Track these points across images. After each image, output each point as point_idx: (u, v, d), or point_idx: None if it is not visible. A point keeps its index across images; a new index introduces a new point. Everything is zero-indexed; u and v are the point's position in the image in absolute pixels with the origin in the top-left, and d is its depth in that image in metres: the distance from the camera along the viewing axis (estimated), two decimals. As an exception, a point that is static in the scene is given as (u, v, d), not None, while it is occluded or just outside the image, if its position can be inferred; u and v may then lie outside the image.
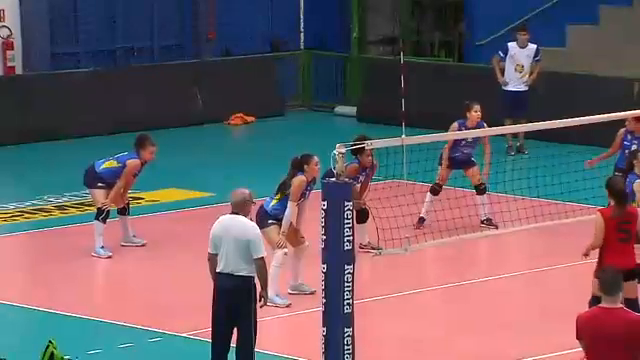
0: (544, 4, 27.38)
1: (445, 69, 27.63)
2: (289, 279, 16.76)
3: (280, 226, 16.63)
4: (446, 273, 18.02)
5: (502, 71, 24.89)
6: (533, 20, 27.31)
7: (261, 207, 16.76)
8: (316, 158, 16.76)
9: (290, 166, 16.92)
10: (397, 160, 17.72)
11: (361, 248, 17.96)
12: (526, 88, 24.81)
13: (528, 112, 23.80)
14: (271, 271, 15.87)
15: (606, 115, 16.93)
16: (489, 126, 19.87)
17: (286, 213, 16.66)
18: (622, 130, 18.58)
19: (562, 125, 16.46)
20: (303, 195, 16.81)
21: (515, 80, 24.84)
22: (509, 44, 25.02)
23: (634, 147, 18.74)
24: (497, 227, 19.44)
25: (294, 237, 16.83)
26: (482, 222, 19.81)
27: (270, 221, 16.70)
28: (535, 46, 24.90)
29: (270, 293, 15.41)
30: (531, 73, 24.82)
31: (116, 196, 18.53)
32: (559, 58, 26.57)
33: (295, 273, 16.87)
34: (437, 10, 29.83)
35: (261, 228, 15.99)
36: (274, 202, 16.81)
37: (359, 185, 18.54)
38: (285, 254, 16.57)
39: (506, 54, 24.92)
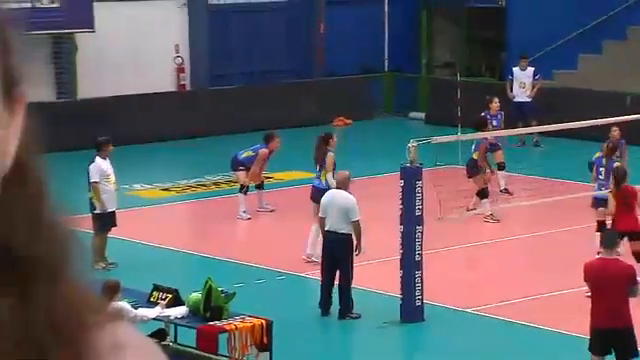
0: (561, 39, 27.15)
1: (490, 86, 27.42)
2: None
3: None
4: (489, 233, 17.91)
5: (512, 88, 24.73)
6: (553, 51, 27.09)
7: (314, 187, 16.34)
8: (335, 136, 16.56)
9: (319, 142, 16.48)
10: (454, 151, 17.68)
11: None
12: (529, 99, 24.44)
13: (535, 116, 23.56)
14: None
15: (600, 120, 16.89)
16: (505, 121, 20.00)
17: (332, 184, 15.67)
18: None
19: (572, 127, 16.38)
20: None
21: (519, 94, 24.58)
22: (514, 69, 24.87)
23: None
24: (512, 194, 19.25)
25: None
26: (500, 191, 19.67)
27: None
28: (533, 69, 24.65)
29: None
30: (532, 88, 24.65)
31: (253, 176, 18.67)
32: (571, 78, 26.37)
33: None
34: (485, 43, 29.66)
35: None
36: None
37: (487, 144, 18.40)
38: None
39: (512, 76, 24.79)
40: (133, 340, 1.24)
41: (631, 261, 12.94)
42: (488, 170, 18.71)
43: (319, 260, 14.95)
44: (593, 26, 27.16)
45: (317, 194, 15.91)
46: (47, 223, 1.20)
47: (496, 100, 20.05)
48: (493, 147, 19.75)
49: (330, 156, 16.23)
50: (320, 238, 14.87)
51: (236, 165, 18.82)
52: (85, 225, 14.29)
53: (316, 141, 16.65)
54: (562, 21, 26.99)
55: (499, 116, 20.27)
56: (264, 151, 18.54)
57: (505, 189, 19.71)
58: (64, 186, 1.25)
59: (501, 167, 19.83)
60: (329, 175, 16.07)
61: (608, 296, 10.81)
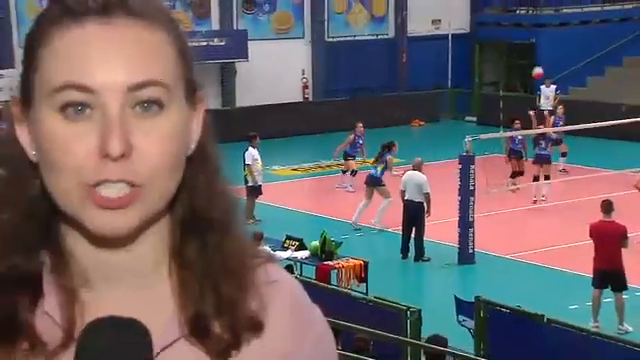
0: (575, 65, 26.64)
1: (523, 98, 26.87)
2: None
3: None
4: (522, 201, 17.49)
5: (539, 99, 24.26)
6: (569, 74, 26.66)
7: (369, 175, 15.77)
8: (396, 144, 15.99)
9: (382, 147, 16.03)
10: (497, 145, 17.40)
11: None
12: (552, 108, 23.92)
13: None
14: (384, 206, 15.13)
15: (605, 123, 16.42)
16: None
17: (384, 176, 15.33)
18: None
19: (584, 127, 15.97)
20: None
21: (544, 104, 24.01)
22: (541, 86, 24.08)
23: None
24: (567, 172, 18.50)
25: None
26: (560, 171, 19.19)
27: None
28: (555, 86, 23.91)
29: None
30: (554, 100, 24.11)
31: (349, 163, 18.74)
32: (582, 93, 25.82)
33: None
34: (520, 68, 29.10)
35: (379, 186, 15.22)
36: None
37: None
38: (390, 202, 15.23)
39: (540, 91, 24.26)
40: (279, 276, 1.25)
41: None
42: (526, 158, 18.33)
43: (357, 225, 14.69)
44: (598, 56, 26.59)
45: (370, 180, 15.64)
46: (219, 191, 1.22)
47: (560, 107, 19.99)
48: (556, 142, 18.97)
49: (389, 158, 15.88)
50: (364, 210, 14.92)
51: (345, 155, 18.94)
52: (241, 193, 14.40)
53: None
54: (576, 52, 26.40)
55: (563, 117, 19.94)
56: (349, 136, 18.61)
57: (563, 169, 19.31)
58: (229, 166, 1.28)
59: (563, 155, 19.30)
60: (388, 170, 15.59)
61: (606, 247, 10.64)
